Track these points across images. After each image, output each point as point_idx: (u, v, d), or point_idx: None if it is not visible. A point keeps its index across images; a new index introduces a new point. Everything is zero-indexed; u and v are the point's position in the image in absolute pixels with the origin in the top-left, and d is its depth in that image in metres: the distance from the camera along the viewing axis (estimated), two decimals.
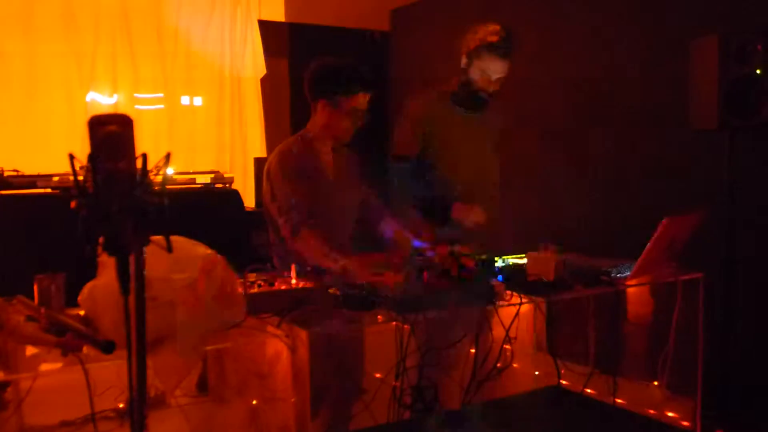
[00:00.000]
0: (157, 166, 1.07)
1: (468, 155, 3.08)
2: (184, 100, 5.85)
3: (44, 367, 1.80)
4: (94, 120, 0.96)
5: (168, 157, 1.01)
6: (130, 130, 0.98)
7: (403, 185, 3.08)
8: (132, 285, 1.01)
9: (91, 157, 0.95)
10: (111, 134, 0.94)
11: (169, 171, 4.74)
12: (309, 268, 2.41)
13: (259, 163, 5.24)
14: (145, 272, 1.06)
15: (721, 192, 3.17)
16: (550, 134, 4.56)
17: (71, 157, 0.95)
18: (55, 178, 4.22)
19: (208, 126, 5.93)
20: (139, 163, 0.98)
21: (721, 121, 3.04)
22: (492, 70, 2.95)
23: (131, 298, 1.02)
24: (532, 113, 4.53)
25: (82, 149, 1.02)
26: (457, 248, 2.41)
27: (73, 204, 0.96)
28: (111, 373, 1.72)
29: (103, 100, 5.47)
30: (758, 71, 3.03)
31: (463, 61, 3.02)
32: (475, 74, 2.99)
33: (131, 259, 1.00)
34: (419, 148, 3.06)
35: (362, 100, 2.74)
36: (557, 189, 4.51)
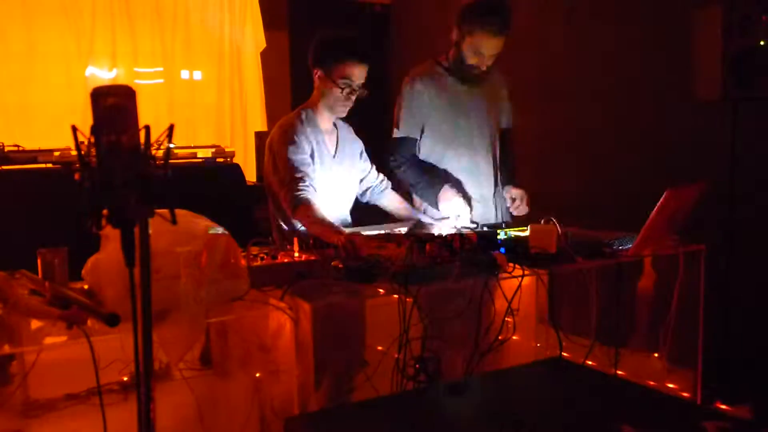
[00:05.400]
0: (158, 140, 1.07)
1: (464, 128, 3.02)
2: (184, 74, 5.83)
3: (48, 340, 1.81)
4: (97, 91, 0.96)
5: (171, 129, 1.00)
6: (133, 102, 0.97)
7: (406, 165, 3.01)
8: (137, 257, 1.01)
9: (94, 129, 0.95)
10: (114, 106, 0.94)
11: (170, 145, 4.76)
12: (311, 241, 2.41)
13: (259, 136, 5.24)
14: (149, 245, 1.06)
15: (723, 164, 3.17)
16: (551, 107, 4.54)
17: (74, 129, 0.95)
18: (56, 153, 4.21)
19: (208, 100, 5.91)
20: (142, 135, 0.98)
21: (725, 93, 3.02)
22: (485, 47, 2.83)
23: (136, 270, 1.02)
24: (532, 86, 4.51)
25: (81, 124, 1.01)
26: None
27: (76, 176, 0.95)
28: (115, 346, 1.73)
29: (103, 75, 5.45)
30: (762, 42, 3.01)
31: (455, 34, 2.91)
32: (467, 50, 2.88)
33: (136, 231, 1.00)
34: (421, 123, 3.00)
35: (355, 70, 2.71)
36: (559, 161, 4.50)
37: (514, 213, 2.99)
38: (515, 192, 2.98)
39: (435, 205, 2.91)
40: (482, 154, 3.07)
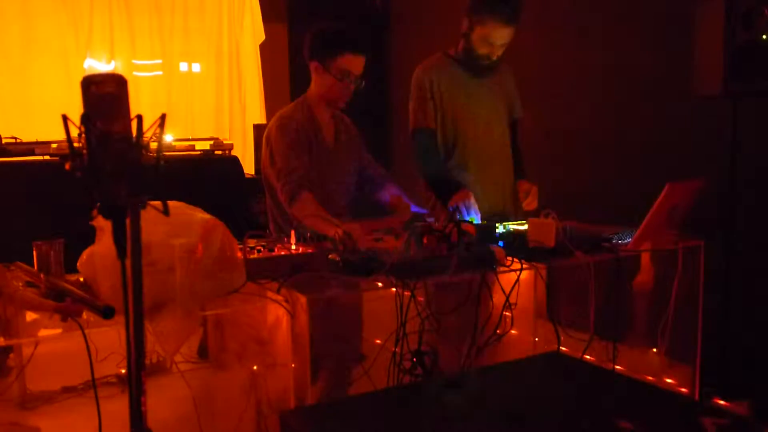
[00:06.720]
0: (154, 132, 1.05)
1: (479, 119, 3.01)
2: (183, 66, 5.82)
3: (44, 332, 1.81)
4: (87, 80, 0.94)
5: (163, 118, 0.99)
6: (125, 91, 0.96)
7: (427, 158, 2.98)
8: (129, 248, 1.00)
9: (84, 118, 0.93)
10: (105, 95, 0.93)
11: (168, 138, 4.76)
12: (308, 234, 2.40)
13: (258, 129, 5.23)
14: (144, 238, 1.05)
15: (724, 159, 3.15)
16: (550, 101, 4.52)
17: (65, 119, 0.94)
18: (54, 145, 4.21)
19: (207, 92, 5.91)
20: (134, 125, 0.97)
21: (726, 88, 3.00)
22: (495, 36, 2.84)
23: (128, 262, 1.01)
24: (532, 81, 4.49)
25: (79, 116, 1.00)
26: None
27: (67, 165, 0.94)
28: (112, 338, 1.72)
29: (101, 67, 5.45)
30: (764, 36, 2.99)
31: (465, 24, 2.91)
32: (477, 40, 2.88)
33: (127, 223, 0.98)
34: (436, 116, 2.98)
35: (352, 62, 2.70)
36: (558, 156, 4.49)
37: (526, 208, 2.96)
38: (528, 186, 2.97)
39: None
40: (499, 145, 3.07)
